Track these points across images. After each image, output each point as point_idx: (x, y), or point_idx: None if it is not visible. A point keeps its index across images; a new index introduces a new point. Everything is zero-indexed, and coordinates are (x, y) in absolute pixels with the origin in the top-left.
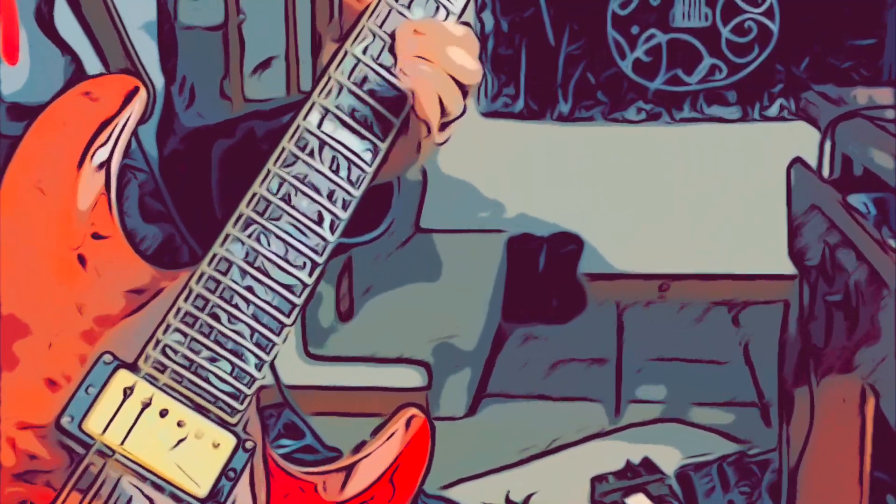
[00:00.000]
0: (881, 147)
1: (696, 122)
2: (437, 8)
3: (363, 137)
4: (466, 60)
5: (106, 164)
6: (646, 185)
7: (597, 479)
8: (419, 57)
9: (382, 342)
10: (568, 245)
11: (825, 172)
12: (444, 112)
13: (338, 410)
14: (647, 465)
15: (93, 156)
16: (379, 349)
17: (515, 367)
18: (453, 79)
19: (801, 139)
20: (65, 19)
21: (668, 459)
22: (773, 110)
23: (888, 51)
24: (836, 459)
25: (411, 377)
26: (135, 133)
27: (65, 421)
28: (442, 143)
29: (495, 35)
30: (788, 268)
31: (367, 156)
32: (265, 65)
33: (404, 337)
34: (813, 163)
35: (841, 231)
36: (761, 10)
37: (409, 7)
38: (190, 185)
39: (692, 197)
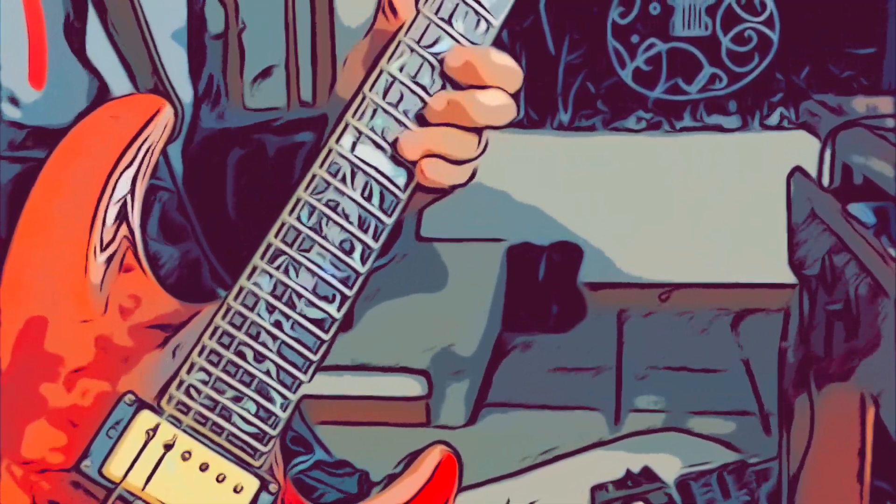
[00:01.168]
0: (881, 156)
1: (696, 132)
2: (478, 21)
3: (398, 161)
4: (495, 99)
5: (130, 191)
6: (646, 194)
7: (596, 488)
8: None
9: (382, 351)
10: (568, 254)
11: (825, 181)
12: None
13: (338, 420)
14: (647, 473)
15: (117, 181)
16: (379, 358)
17: (515, 376)
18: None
19: (801, 148)
20: (96, 39)
21: (668, 468)
22: (774, 119)
23: (888, 60)
24: (836, 468)
25: (411, 386)
26: (162, 151)
27: (85, 465)
28: (466, 182)
29: (495, 44)
30: (788, 277)
31: (401, 181)
32: (265, 73)
33: (404, 346)
34: (813, 172)
35: (841, 240)
36: (761, 19)
37: (448, 21)
38: (210, 194)
39: (692, 206)
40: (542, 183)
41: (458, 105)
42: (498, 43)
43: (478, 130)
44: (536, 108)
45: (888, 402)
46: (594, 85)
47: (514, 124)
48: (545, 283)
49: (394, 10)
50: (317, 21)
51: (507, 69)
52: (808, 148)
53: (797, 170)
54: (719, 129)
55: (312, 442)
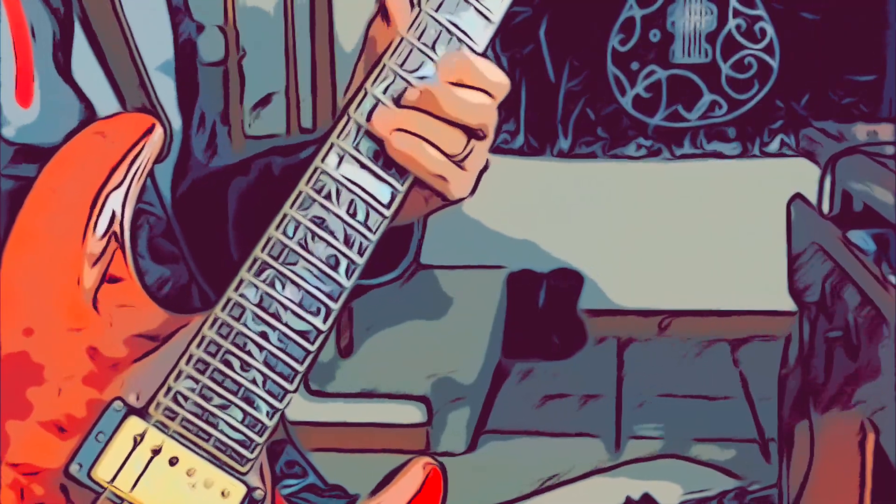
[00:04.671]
0: (881, 183)
1: (696, 158)
2: (461, 47)
3: (382, 180)
4: (470, 95)
5: (120, 205)
6: (646, 221)
7: None
8: (399, 130)
9: (383, 378)
10: (568, 281)
11: (825, 208)
12: (451, 158)
13: (338, 446)
14: (648, 500)
15: (107, 196)
16: (379, 385)
17: (515, 403)
18: (462, 126)
19: (801, 175)
20: (82, 60)
21: (669, 495)
22: (774, 146)
23: (888, 87)
24: (836, 495)
25: (411, 413)
26: (150, 173)
27: (74, 468)
28: (467, 196)
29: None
30: (788, 304)
31: (386, 199)
32: (265, 101)
33: (404, 373)
34: (813, 199)
35: (841, 267)
36: (761, 46)
37: (432, 47)
38: (204, 226)
39: (692, 233)
40: (543, 210)
41: (430, 94)
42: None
43: (464, 128)
44: (536, 135)
45: (888, 429)
46: (594, 112)
47: (514, 151)
48: (545, 310)
49: (387, 18)
50: (317, 48)
51: (491, 76)
52: (808, 175)
53: (797, 197)
54: (719, 155)
55: (306, 468)
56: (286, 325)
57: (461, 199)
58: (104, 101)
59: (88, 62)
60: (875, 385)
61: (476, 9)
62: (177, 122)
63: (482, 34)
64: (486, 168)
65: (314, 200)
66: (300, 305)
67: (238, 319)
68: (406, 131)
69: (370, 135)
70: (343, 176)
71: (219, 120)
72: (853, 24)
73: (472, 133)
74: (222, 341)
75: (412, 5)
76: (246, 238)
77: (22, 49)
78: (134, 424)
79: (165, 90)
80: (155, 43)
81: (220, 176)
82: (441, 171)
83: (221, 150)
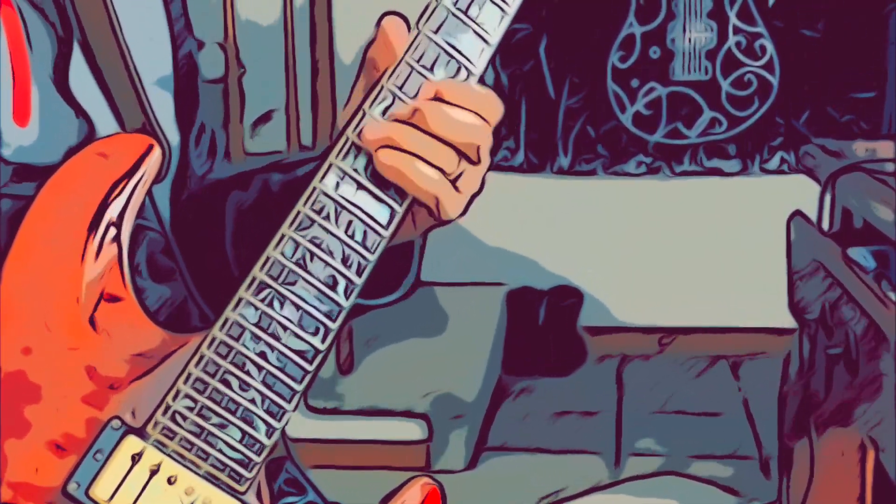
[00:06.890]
0: (881, 200)
1: (696, 176)
2: (459, 68)
3: (380, 201)
4: (459, 114)
5: (118, 225)
6: (646, 238)
7: None
8: (385, 147)
9: (383, 395)
10: (568, 298)
11: (825, 225)
12: (445, 175)
13: (338, 464)
14: None
15: (105, 216)
16: (379, 402)
17: (515, 420)
18: (452, 145)
19: (802, 192)
20: (80, 79)
21: None
22: (774, 163)
23: (888, 104)
24: None
25: (411, 430)
26: (148, 191)
27: (71, 487)
28: (461, 215)
29: (495, 88)
30: (789, 321)
31: (384, 219)
32: (265, 118)
33: (404, 390)
34: (813, 216)
35: (841, 284)
36: (761, 63)
37: (430, 69)
38: (202, 242)
39: (692, 250)
40: (543, 227)
41: (419, 110)
42: (498, 87)
43: (454, 147)
44: (536, 152)
45: (888, 446)
46: (594, 129)
47: (514, 168)
48: (545, 328)
49: (385, 42)
50: (317, 64)
51: (484, 98)
52: (808, 192)
53: (797, 214)
54: (719, 173)
55: (305, 485)
56: (285, 344)
57: (451, 221)
58: (103, 119)
59: (87, 79)
60: (875, 402)
61: (474, 31)
62: (175, 137)
63: (480, 56)
64: (479, 191)
65: (313, 221)
66: (299, 325)
67: (237, 339)
68: (395, 147)
69: (369, 155)
70: (341, 196)
71: (217, 134)
72: (853, 41)
73: (462, 152)
74: (221, 361)
75: (409, 28)
76: (244, 254)
77: (20, 67)
78: (132, 443)
79: (164, 106)
80: (154, 59)
81: (217, 189)
82: (433, 188)
83: (218, 164)
